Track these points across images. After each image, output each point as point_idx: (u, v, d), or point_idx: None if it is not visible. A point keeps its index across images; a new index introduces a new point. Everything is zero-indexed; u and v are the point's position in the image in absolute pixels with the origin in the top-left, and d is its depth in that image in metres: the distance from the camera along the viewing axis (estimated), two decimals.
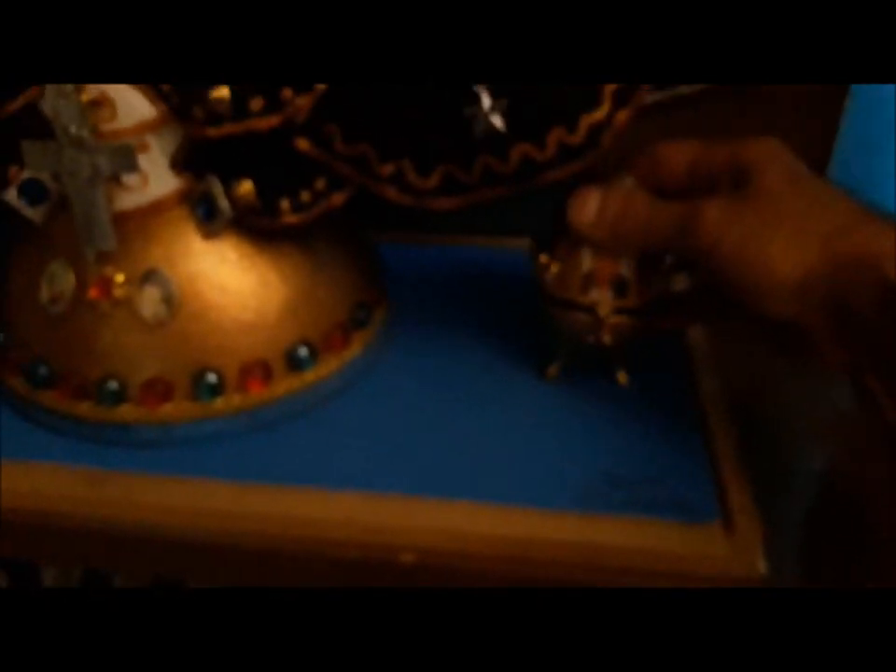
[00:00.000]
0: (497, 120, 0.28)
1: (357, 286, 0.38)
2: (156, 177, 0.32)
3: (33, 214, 0.34)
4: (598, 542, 0.30)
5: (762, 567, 0.30)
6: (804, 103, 0.49)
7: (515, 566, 0.30)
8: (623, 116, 0.30)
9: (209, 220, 0.33)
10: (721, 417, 0.36)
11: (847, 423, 0.39)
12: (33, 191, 0.34)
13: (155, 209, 0.33)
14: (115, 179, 0.31)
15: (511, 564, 0.30)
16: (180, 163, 0.33)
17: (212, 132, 0.30)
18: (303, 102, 0.30)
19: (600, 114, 0.29)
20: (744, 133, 0.30)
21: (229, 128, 0.30)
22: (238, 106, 0.30)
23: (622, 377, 0.38)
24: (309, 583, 0.32)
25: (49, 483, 0.33)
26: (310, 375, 0.36)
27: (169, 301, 0.33)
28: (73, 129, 0.29)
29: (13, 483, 0.33)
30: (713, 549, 0.30)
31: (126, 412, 0.34)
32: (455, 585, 0.31)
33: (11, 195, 0.33)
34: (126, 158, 0.30)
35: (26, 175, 0.34)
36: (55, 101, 0.29)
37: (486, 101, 0.28)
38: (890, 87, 0.45)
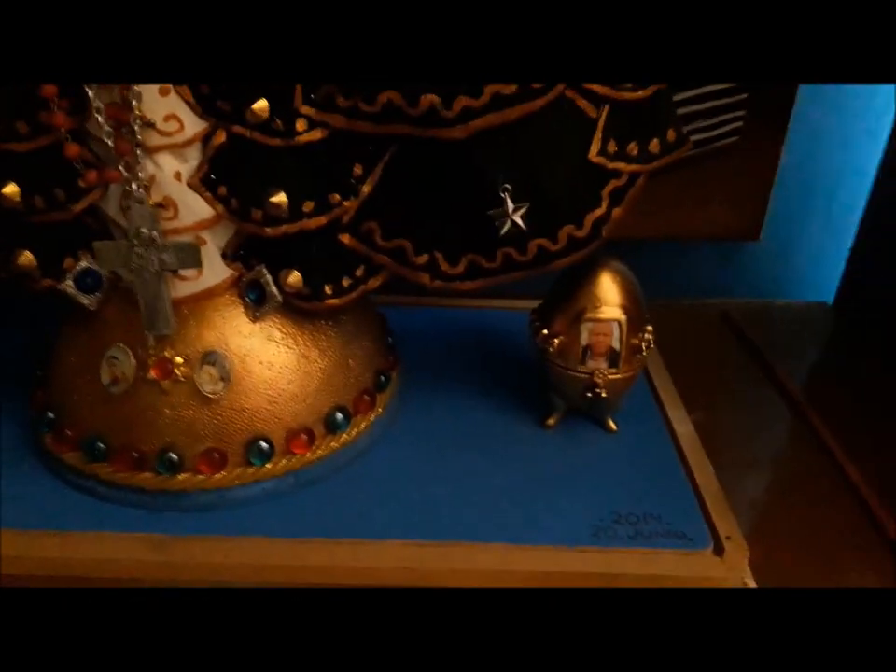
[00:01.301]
0: (520, 220, 0.34)
1: (379, 353, 0.43)
2: (209, 268, 0.36)
3: (88, 301, 0.37)
4: (612, 572, 0.36)
5: (750, 583, 0.36)
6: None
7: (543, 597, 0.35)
8: (618, 212, 0.36)
9: (259, 305, 0.37)
10: (697, 457, 0.42)
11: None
12: (87, 281, 0.37)
13: (207, 296, 0.37)
14: (174, 271, 0.35)
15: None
16: (230, 255, 0.37)
17: (270, 231, 0.34)
18: (350, 204, 0.35)
19: (600, 211, 0.35)
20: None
21: (285, 228, 0.34)
22: (293, 209, 0.34)
23: (611, 425, 0.44)
24: None
25: (116, 551, 0.35)
26: (345, 436, 0.40)
27: (225, 378, 0.36)
28: (144, 230, 0.33)
29: (79, 553, 0.35)
30: (708, 571, 0.36)
31: (184, 480, 0.37)
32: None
33: (68, 285, 0.37)
34: (191, 254, 0.34)
35: (82, 265, 0.37)
36: (127, 203, 0.33)
37: (510, 205, 0.33)
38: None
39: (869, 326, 0.56)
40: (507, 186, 0.33)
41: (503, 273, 0.35)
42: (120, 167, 0.32)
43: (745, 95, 0.54)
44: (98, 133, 0.32)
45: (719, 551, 0.36)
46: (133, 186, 0.32)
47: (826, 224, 0.61)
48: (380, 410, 0.42)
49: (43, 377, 0.41)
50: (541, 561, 0.36)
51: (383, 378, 0.43)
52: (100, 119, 0.31)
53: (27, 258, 0.36)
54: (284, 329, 0.38)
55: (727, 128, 0.55)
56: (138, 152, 0.32)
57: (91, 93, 0.30)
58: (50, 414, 0.39)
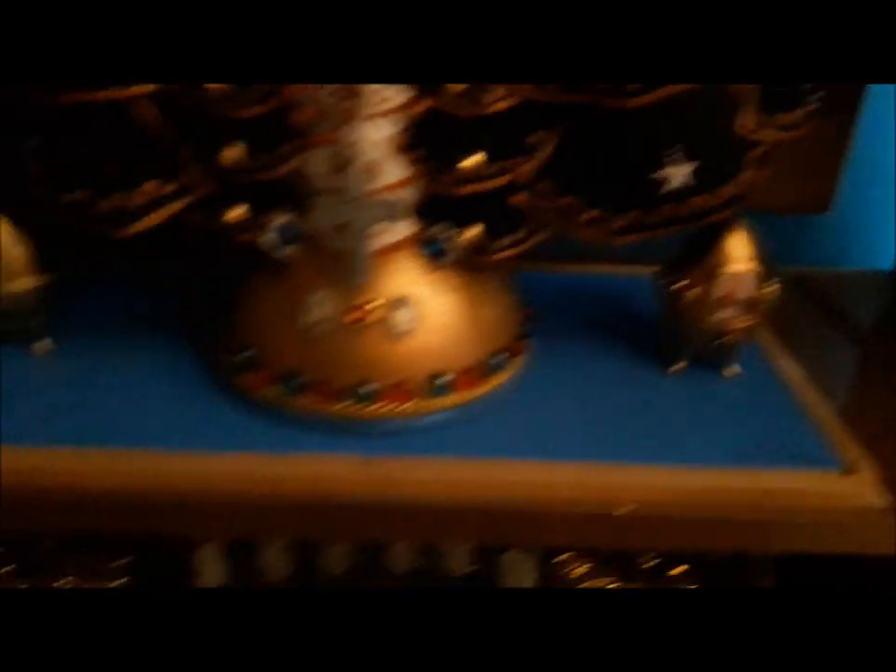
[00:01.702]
0: (687, 179, 0.39)
1: (521, 306, 0.48)
2: (399, 224, 0.41)
3: (286, 254, 0.42)
4: (759, 489, 0.41)
5: (880, 500, 0.41)
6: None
7: (704, 509, 0.40)
8: (763, 173, 0.41)
9: (439, 257, 0.42)
10: (813, 395, 0.48)
11: None
12: (285, 235, 0.42)
13: (395, 249, 0.42)
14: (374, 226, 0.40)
15: (694, 510, 0.41)
16: (416, 213, 0.42)
17: (460, 191, 0.39)
18: (530, 166, 0.40)
19: (750, 173, 0.40)
20: None
21: (473, 187, 0.39)
22: (481, 171, 0.39)
23: (731, 370, 0.49)
24: (544, 537, 0.41)
25: (325, 469, 0.40)
26: (503, 375, 0.45)
27: (414, 321, 0.41)
28: (355, 188, 0.38)
29: (292, 471, 0.40)
30: (844, 489, 0.41)
31: (375, 410, 0.42)
32: (651, 532, 0.41)
33: (270, 238, 0.42)
34: (392, 211, 0.39)
35: (281, 221, 0.42)
36: (340, 164, 0.38)
37: (680, 165, 0.38)
38: None
39: None
40: (677, 147, 0.38)
41: (663, 227, 0.40)
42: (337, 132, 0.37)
43: None
44: (323, 101, 0.37)
45: (849, 471, 0.42)
46: (350, 149, 0.37)
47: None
48: (527, 354, 0.47)
49: (231, 324, 0.45)
50: (694, 479, 0.41)
51: (527, 327, 0.48)
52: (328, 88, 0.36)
53: (237, 213, 0.40)
54: (456, 280, 0.43)
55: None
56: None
57: None
58: (246, 355, 0.44)
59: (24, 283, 0.44)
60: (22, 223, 0.43)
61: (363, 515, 0.41)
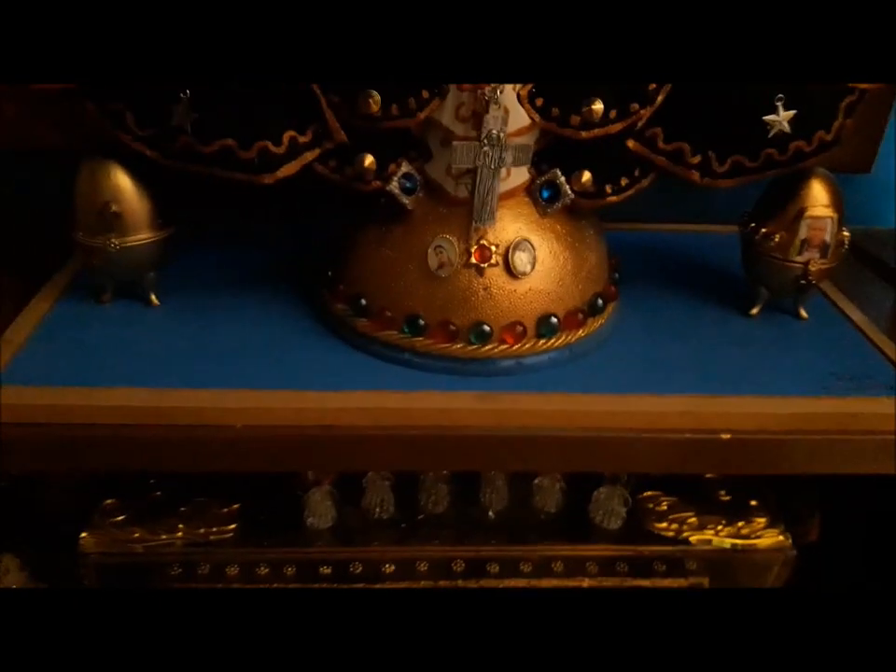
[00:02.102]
0: (788, 125, 0.42)
1: (611, 254, 0.51)
2: (517, 169, 0.44)
3: (408, 201, 0.44)
4: (839, 412, 0.44)
5: None
6: None
7: (789, 434, 0.43)
8: (850, 122, 0.44)
9: (551, 203, 0.45)
10: (876, 334, 0.51)
11: None
12: (407, 184, 0.44)
13: (512, 194, 0.44)
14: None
15: (788, 433, 0.44)
16: (532, 160, 0.44)
17: (584, 134, 0.42)
18: (645, 112, 0.42)
19: (839, 121, 0.43)
20: None
21: (596, 132, 0.42)
22: (603, 116, 0.41)
23: (804, 313, 0.52)
24: (651, 461, 0.44)
25: (446, 402, 0.43)
26: (602, 318, 0.48)
27: (532, 263, 0.44)
28: (495, 131, 0.40)
29: (407, 403, 0.43)
30: None
31: (491, 349, 0.44)
32: (754, 456, 0.44)
33: (395, 185, 0.44)
34: (525, 153, 0.41)
35: (403, 170, 0.44)
36: (481, 110, 0.40)
37: (783, 112, 0.41)
38: None
39: None
40: (781, 96, 0.41)
41: (762, 171, 0.43)
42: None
43: None
44: None
45: None
46: (495, 94, 0.39)
47: None
48: (618, 301, 0.50)
49: (344, 275, 0.47)
50: (788, 405, 0.44)
51: (616, 275, 0.51)
52: None
53: (370, 160, 0.42)
54: (563, 227, 0.46)
55: None
56: None
57: None
58: (364, 301, 0.46)
59: (147, 235, 0.46)
60: (145, 178, 0.45)
61: (479, 446, 0.43)
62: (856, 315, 0.53)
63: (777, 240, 0.48)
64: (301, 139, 0.41)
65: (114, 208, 0.44)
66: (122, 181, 0.44)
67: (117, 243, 0.44)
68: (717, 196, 0.48)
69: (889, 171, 0.70)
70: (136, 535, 0.49)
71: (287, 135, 0.40)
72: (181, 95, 0.38)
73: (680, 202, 0.53)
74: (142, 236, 0.46)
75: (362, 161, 0.42)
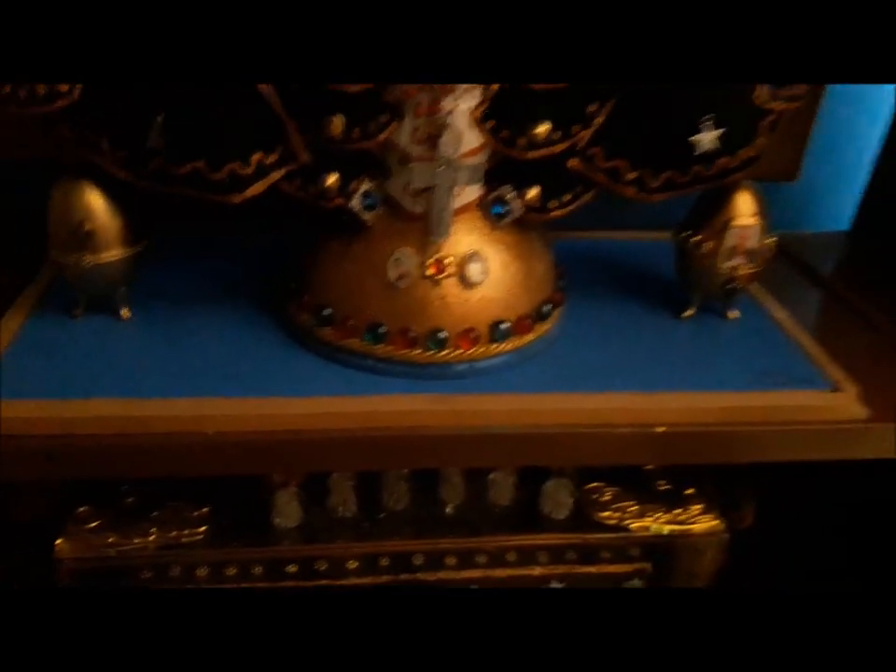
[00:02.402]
0: (715, 143, 0.46)
1: (556, 263, 0.55)
2: (469, 187, 0.47)
3: (369, 217, 0.47)
4: (765, 405, 0.48)
5: (862, 412, 0.49)
6: None
7: (720, 425, 0.48)
8: (768, 140, 0.49)
9: (501, 217, 0.48)
10: (799, 331, 0.56)
11: None
12: (367, 201, 0.47)
13: (466, 209, 0.48)
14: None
15: (718, 425, 0.48)
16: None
17: (531, 154, 0.45)
18: (585, 133, 0.46)
19: (763, 138, 0.48)
20: None
21: (541, 152, 0.45)
22: (547, 137, 0.45)
23: (734, 313, 0.57)
24: (591, 457, 0.48)
25: (405, 404, 0.46)
26: (549, 323, 0.52)
27: (484, 273, 0.47)
28: (450, 153, 0.44)
29: (380, 407, 0.46)
30: (833, 403, 0.49)
31: (447, 354, 0.48)
32: (687, 447, 0.48)
33: (355, 203, 0.47)
34: (477, 172, 0.45)
35: (364, 188, 0.47)
36: (436, 133, 0.43)
37: (711, 130, 0.46)
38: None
39: (884, 250, 0.71)
40: (708, 116, 0.45)
41: (692, 185, 0.48)
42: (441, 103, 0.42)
43: None
44: None
45: (836, 390, 0.50)
46: (448, 118, 0.43)
47: (851, 162, 0.76)
48: (565, 306, 0.54)
49: (308, 286, 0.50)
50: (716, 400, 0.48)
51: (561, 282, 0.55)
52: None
53: (333, 179, 0.45)
54: (513, 239, 0.50)
55: None
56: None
57: None
58: (327, 311, 0.49)
59: (118, 252, 0.48)
60: (117, 196, 0.47)
61: (438, 445, 0.47)
62: (781, 315, 0.58)
63: (706, 247, 0.53)
64: (268, 160, 0.44)
65: (87, 227, 0.46)
66: (95, 201, 0.46)
67: (90, 259, 0.46)
68: (654, 206, 0.52)
69: (814, 178, 0.76)
70: (110, 540, 0.51)
71: (254, 157, 0.43)
72: (154, 119, 0.41)
73: (620, 211, 0.57)
74: (114, 253, 0.48)
75: (325, 180, 0.45)
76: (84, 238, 0.46)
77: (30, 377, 0.45)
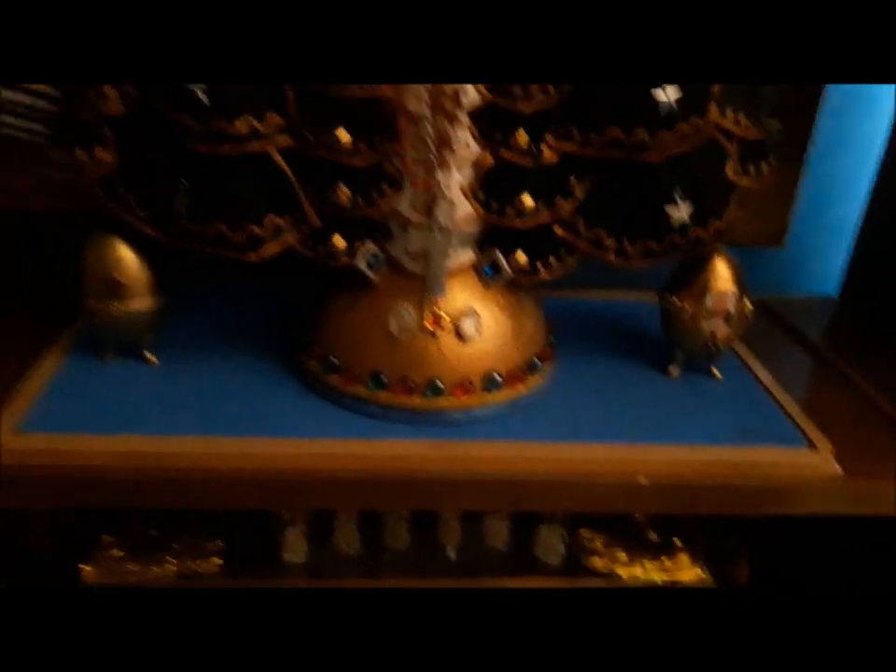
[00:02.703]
0: (687, 216, 0.51)
1: (546, 321, 0.59)
2: (464, 250, 0.52)
3: (373, 276, 0.52)
4: (743, 461, 0.52)
5: (837, 468, 0.52)
6: None
7: (700, 478, 0.51)
8: (740, 212, 0.53)
9: (493, 278, 0.53)
10: (780, 391, 0.59)
11: None
12: (372, 260, 0.52)
13: (460, 271, 0.53)
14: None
15: (698, 477, 0.51)
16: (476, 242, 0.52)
17: (519, 223, 0.50)
18: (568, 205, 0.51)
19: (732, 211, 0.53)
20: None
21: (528, 221, 0.50)
22: (533, 208, 0.50)
23: (716, 372, 0.60)
24: (577, 504, 0.51)
25: (405, 449, 0.50)
26: (540, 376, 0.56)
27: (478, 328, 0.52)
28: (443, 220, 0.49)
29: (379, 451, 0.50)
30: (809, 461, 0.52)
31: (443, 401, 0.52)
32: (668, 497, 0.51)
33: (361, 262, 0.52)
34: (469, 237, 0.50)
35: (370, 248, 0.52)
36: (432, 202, 0.49)
37: (682, 205, 0.50)
38: None
39: (869, 314, 0.74)
40: (679, 190, 0.50)
41: (667, 253, 0.52)
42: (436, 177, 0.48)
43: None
44: (420, 155, 0.48)
45: (812, 447, 0.53)
46: (443, 190, 0.48)
47: (836, 228, 0.80)
48: (555, 361, 0.58)
49: (317, 336, 0.55)
50: (698, 453, 0.51)
51: (552, 338, 0.59)
52: (431, 146, 0.47)
53: (340, 241, 0.51)
54: (504, 297, 0.54)
55: None
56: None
57: (429, 127, 0.46)
58: (334, 360, 0.53)
59: (146, 302, 0.53)
60: (145, 251, 0.53)
61: (434, 488, 0.50)
62: (763, 375, 0.62)
63: (687, 310, 0.57)
64: (282, 223, 0.49)
65: (118, 278, 0.51)
66: (125, 255, 0.52)
67: (120, 308, 0.52)
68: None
69: (802, 243, 0.80)
70: (132, 568, 0.55)
71: (270, 221, 0.48)
72: (180, 185, 0.46)
73: (610, 272, 0.61)
74: (142, 302, 0.53)
75: (333, 242, 0.50)
76: (115, 288, 0.51)
77: (63, 414, 0.50)
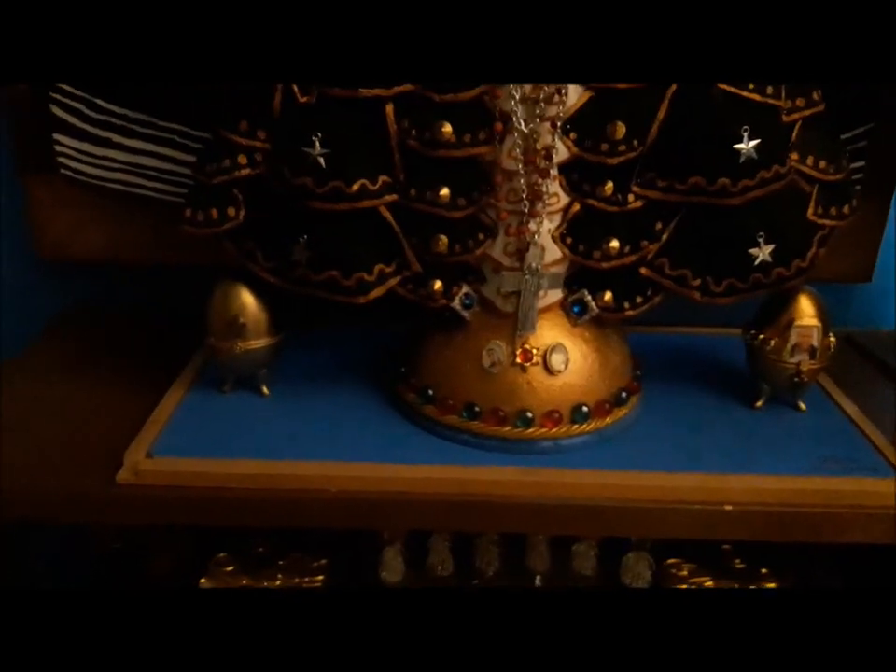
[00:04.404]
0: (769, 256, 0.53)
1: (633, 355, 0.62)
2: (553, 290, 0.56)
3: (467, 315, 0.56)
4: (831, 490, 0.53)
5: None
6: None
7: (783, 506, 0.52)
8: (822, 251, 0.55)
9: (580, 316, 0.56)
10: (866, 424, 0.60)
11: None
12: (466, 301, 0.56)
13: (549, 309, 0.56)
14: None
15: (782, 505, 0.53)
16: (565, 283, 0.56)
17: (605, 266, 0.53)
18: (653, 247, 0.54)
19: (814, 251, 0.54)
20: None
21: (614, 263, 0.53)
22: (619, 252, 0.53)
23: (802, 405, 0.62)
24: (663, 531, 0.53)
25: (499, 475, 0.53)
26: (626, 408, 0.59)
27: (566, 362, 0.55)
28: (534, 264, 0.52)
29: (478, 476, 0.53)
30: (892, 489, 0.53)
31: (533, 432, 0.55)
32: (752, 525, 0.53)
33: (456, 303, 0.56)
34: (558, 279, 0.53)
35: (464, 290, 0.56)
36: (523, 247, 0.52)
37: (764, 245, 0.53)
38: None
39: None
40: (762, 232, 0.52)
41: (752, 291, 0.54)
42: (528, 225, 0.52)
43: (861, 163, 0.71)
44: (513, 206, 0.52)
45: None
46: (534, 237, 0.52)
47: None
48: (641, 394, 0.61)
49: (414, 369, 0.59)
50: (785, 483, 0.53)
51: (639, 372, 0.62)
52: (524, 199, 0.51)
53: (439, 285, 0.55)
54: (591, 334, 0.57)
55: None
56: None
57: (522, 181, 0.50)
58: (430, 392, 0.57)
59: (264, 341, 0.58)
60: (264, 295, 0.58)
61: (522, 512, 0.53)
62: (849, 407, 0.63)
63: (772, 344, 0.59)
64: (387, 270, 0.54)
65: (241, 320, 0.57)
66: (247, 298, 0.57)
67: (241, 346, 0.57)
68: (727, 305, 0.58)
69: (889, 278, 0.80)
70: (244, 582, 0.60)
71: (377, 267, 0.53)
72: (299, 238, 0.52)
73: (696, 309, 0.63)
74: (260, 341, 0.58)
75: (432, 286, 0.54)
76: (238, 329, 0.57)
77: (187, 440, 0.56)
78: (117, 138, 0.67)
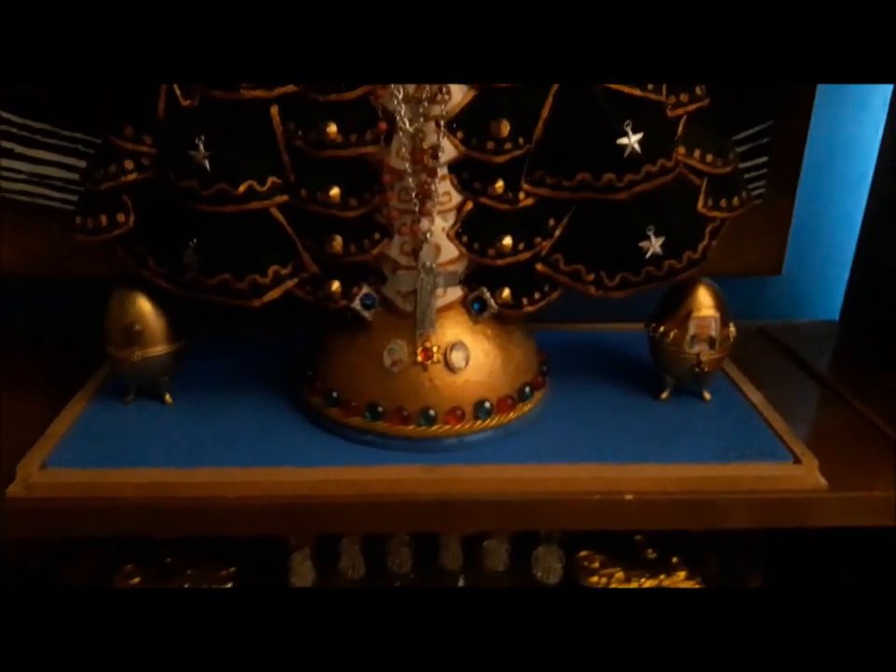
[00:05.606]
0: (659, 248, 0.54)
1: (538, 350, 0.62)
2: (452, 288, 0.56)
3: (368, 315, 0.56)
4: (731, 476, 0.54)
5: (821, 481, 0.54)
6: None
7: (684, 494, 0.53)
8: (714, 243, 0.56)
9: (480, 313, 0.56)
10: (770, 412, 0.61)
11: None
12: (367, 301, 0.56)
13: (449, 307, 0.56)
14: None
15: (683, 493, 0.54)
16: (463, 280, 0.56)
17: (499, 263, 0.54)
18: (546, 244, 0.55)
19: (705, 242, 0.55)
20: None
21: (507, 260, 0.54)
22: (512, 248, 0.54)
23: (706, 395, 0.63)
24: (568, 523, 0.54)
25: (400, 474, 0.53)
26: (530, 403, 0.59)
27: (467, 360, 0.55)
28: (429, 263, 0.53)
29: (376, 476, 0.53)
30: (793, 474, 0.54)
31: (436, 429, 0.55)
32: (654, 514, 0.54)
33: (356, 304, 0.56)
34: (454, 277, 0.54)
35: (364, 291, 0.56)
36: (417, 246, 0.53)
37: (654, 238, 0.54)
38: None
39: (869, 337, 0.75)
40: (651, 226, 0.53)
41: (645, 284, 0.55)
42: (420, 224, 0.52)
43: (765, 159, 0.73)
44: (404, 205, 0.52)
45: (797, 462, 0.55)
46: (426, 235, 0.52)
47: (834, 253, 0.82)
48: (547, 388, 0.61)
49: (318, 373, 0.59)
50: (684, 471, 0.54)
51: (544, 367, 0.62)
52: (414, 198, 0.51)
53: (337, 285, 0.55)
54: (493, 330, 0.58)
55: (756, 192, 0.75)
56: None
57: (411, 181, 0.50)
58: (335, 394, 0.57)
59: (163, 348, 0.58)
60: (161, 302, 0.57)
61: (429, 510, 0.53)
62: (754, 396, 0.64)
63: (672, 336, 0.59)
64: (283, 271, 0.53)
65: (137, 327, 0.56)
66: (144, 305, 0.56)
67: (139, 354, 0.56)
68: (630, 301, 0.59)
69: (799, 270, 0.82)
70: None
71: (271, 269, 0.53)
72: (190, 243, 0.51)
73: (602, 305, 0.64)
74: (159, 349, 0.57)
75: (330, 286, 0.54)
76: (135, 336, 0.56)
77: (85, 450, 0.54)
78: (19, 149, 0.66)
